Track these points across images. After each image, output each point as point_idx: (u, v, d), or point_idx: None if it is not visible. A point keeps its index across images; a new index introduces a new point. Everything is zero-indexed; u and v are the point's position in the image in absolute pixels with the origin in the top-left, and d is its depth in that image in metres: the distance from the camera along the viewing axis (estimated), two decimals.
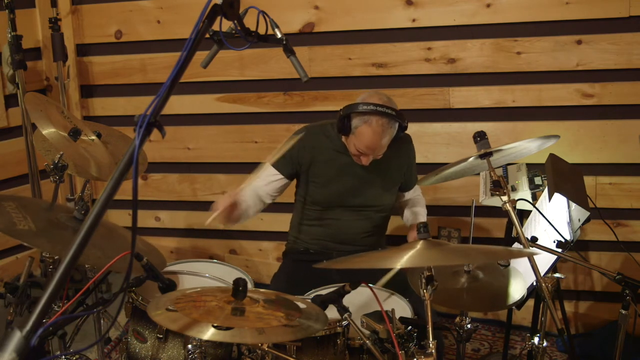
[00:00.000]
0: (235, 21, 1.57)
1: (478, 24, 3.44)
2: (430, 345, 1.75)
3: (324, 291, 2.33)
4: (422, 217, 2.98)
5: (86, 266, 3.05)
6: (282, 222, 3.48)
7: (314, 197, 2.87)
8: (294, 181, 2.94)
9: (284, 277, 2.87)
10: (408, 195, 3.04)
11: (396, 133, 2.68)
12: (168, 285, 2.02)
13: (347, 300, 1.93)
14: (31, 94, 2.79)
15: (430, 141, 3.61)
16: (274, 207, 3.01)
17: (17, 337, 1.11)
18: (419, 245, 1.80)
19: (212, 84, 3.87)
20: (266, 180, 2.84)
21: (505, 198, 2.08)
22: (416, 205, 3.03)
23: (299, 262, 2.91)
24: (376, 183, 2.84)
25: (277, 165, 2.85)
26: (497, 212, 3.11)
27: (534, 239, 2.31)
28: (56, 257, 2.72)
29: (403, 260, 1.71)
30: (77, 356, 2.32)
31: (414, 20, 3.51)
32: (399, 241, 2.81)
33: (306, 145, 2.82)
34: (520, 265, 2.36)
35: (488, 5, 3.39)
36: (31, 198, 3.55)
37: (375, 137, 2.61)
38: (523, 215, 2.86)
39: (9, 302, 2.34)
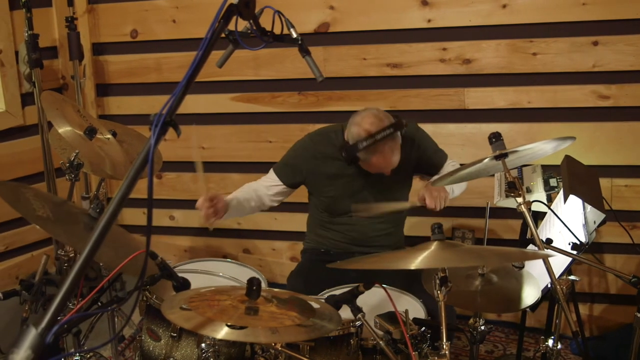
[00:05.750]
0: (251, 21, 1.57)
1: (493, 25, 3.42)
2: (444, 346, 1.74)
3: (338, 291, 2.33)
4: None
5: (100, 264, 3.07)
6: (295, 221, 3.48)
7: (323, 206, 2.87)
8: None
9: (302, 276, 2.85)
10: (444, 171, 2.94)
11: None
12: (182, 283, 2.03)
13: (360, 301, 1.93)
14: (47, 93, 2.81)
15: (445, 142, 3.58)
16: (287, 207, 3.01)
17: (32, 334, 1.12)
18: (434, 246, 1.79)
19: (227, 83, 3.87)
20: (267, 185, 2.85)
21: (520, 199, 2.06)
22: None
23: (317, 261, 2.88)
24: (384, 185, 2.81)
25: (278, 172, 2.84)
26: (511, 213, 3.10)
27: (548, 241, 2.30)
28: (71, 255, 2.74)
29: (417, 261, 1.71)
30: (91, 354, 2.33)
31: (429, 21, 3.50)
32: (416, 241, 2.81)
33: (308, 153, 2.81)
34: (534, 268, 2.34)
35: (504, 6, 3.37)
36: (45, 192, 3.56)
37: (387, 159, 2.63)
38: (538, 217, 2.85)
39: (25, 299, 2.35)
